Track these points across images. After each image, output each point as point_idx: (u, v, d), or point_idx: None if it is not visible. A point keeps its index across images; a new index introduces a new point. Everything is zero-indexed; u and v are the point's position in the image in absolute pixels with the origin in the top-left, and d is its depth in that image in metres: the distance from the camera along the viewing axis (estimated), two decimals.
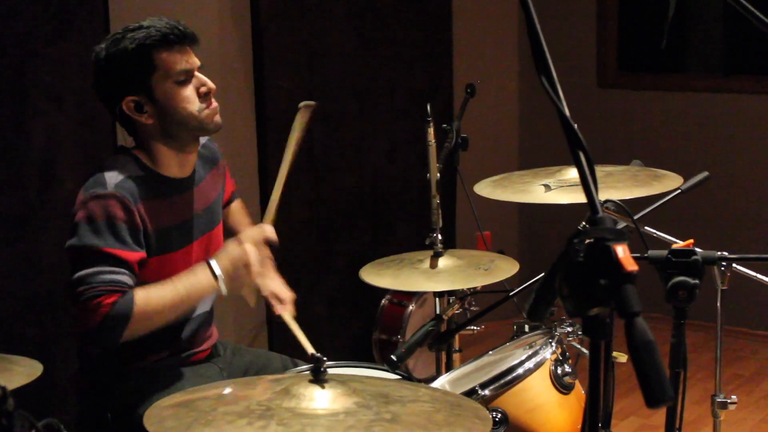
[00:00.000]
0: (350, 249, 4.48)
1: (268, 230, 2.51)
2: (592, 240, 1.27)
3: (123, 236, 2.25)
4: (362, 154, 4.55)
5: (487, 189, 2.67)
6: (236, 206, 2.80)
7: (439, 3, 4.80)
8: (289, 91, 4.22)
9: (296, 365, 2.62)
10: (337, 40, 4.38)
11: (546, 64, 1.38)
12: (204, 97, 2.38)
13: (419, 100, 4.61)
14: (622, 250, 1.24)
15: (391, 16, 4.55)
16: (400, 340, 3.85)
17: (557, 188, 2.60)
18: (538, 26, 1.38)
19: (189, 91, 2.36)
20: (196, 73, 2.38)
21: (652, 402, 1.21)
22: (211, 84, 2.39)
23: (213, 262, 2.31)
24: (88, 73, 3.54)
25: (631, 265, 1.23)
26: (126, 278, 2.24)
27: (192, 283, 2.30)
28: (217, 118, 2.41)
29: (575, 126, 1.34)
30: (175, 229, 2.41)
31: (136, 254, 2.28)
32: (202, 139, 2.54)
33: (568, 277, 1.30)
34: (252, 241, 2.38)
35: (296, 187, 4.34)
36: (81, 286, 2.20)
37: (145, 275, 2.31)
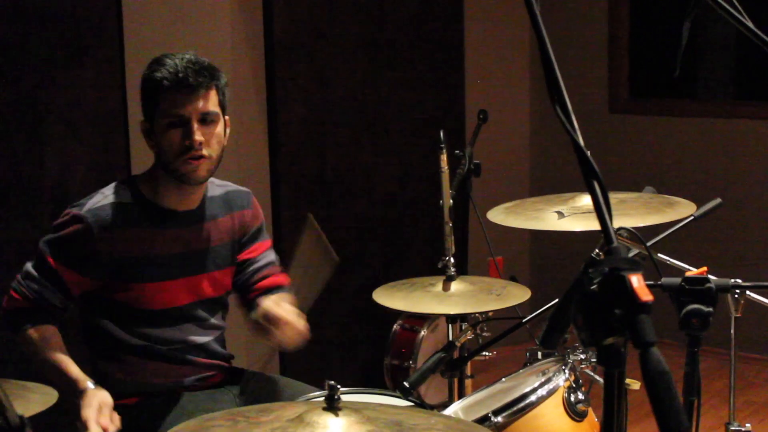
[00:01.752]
0: (361, 274, 4.49)
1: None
2: (606, 270, 1.27)
3: (71, 258, 2.40)
4: (374, 180, 4.56)
5: (500, 216, 2.67)
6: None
7: (451, 29, 4.82)
8: (302, 115, 4.25)
9: (308, 391, 2.63)
10: (349, 66, 4.40)
11: (560, 93, 1.38)
12: (185, 148, 2.37)
13: (431, 125, 4.63)
14: (636, 280, 1.24)
15: (402, 41, 4.58)
16: (412, 365, 3.83)
17: (570, 215, 2.60)
18: (552, 54, 1.39)
19: (175, 136, 2.38)
20: (194, 123, 2.37)
21: None
22: (196, 140, 2.36)
23: (91, 387, 2.29)
24: (103, 99, 3.61)
25: (646, 295, 1.23)
26: (51, 295, 2.41)
27: (66, 376, 2.34)
28: (198, 173, 2.40)
29: (589, 155, 1.35)
30: (157, 260, 2.43)
31: (76, 276, 2.41)
32: (236, 185, 2.63)
33: (582, 306, 1.29)
34: (96, 406, 2.26)
35: (307, 211, 4.34)
36: (19, 275, 2.45)
37: (130, 301, 2.43)
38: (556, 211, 2.67)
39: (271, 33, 4.12)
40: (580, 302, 1.30)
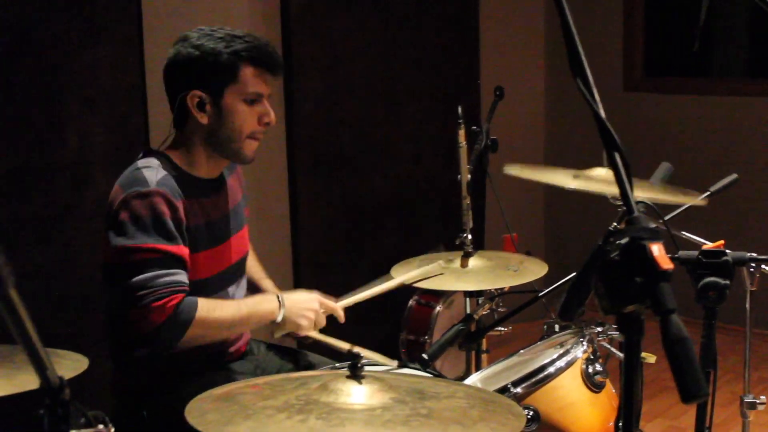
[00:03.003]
0: (377, 250, 4.52)
1: (340, 309, 2.57)
2: (628, 239, 1.29)
3: (172, 232, 2.27)
4: (389, 157, 4.58)
5: (517, 168, 2.69)
6: (252, 256, 2.79)
7: (465, 5, 4.83)
8: (318, 95, 4.27)
9: (326, 363, 2.67)
10: (364, 43, 4.42)
11: (581, 66, 1.40)
12: (262, 125, 2.42)
13: (446, 102, 4.65)
14: (657, 249, 1.26)
15: (417, 18, 4.59)
16: (428, 340, 3.86)
17: (584, 178, 2.63)
18: (574, 28, 1.41)
19: (251, 113, 2.39)
20: (265, 101, 2.42)
21: (687, 397, 1.23)
22: (273, 117, 2.42)
23: (283, 299, 2.40)
24: (121, 77, 3.63)
25: (666, 264, 1.26)
26: (182, 277, 2.27)
27: (255, 307, 2.39)
28: (253, 154, 2.45)
29: (611, 128, 1.37)
30: (206, 229, 2.43)
31: (186, 248, 2.31)
32: None
33: (604, 275, 1.32)
34: (324, 301, 2.48)
35: (323, 188, 4.38)
36: (142, 290, 2.21)
37: (192, 275, 2.34)
38: (572, 175, 2.70)
39: (288, 10, 4.14)
40: (602, 271, 1.32)
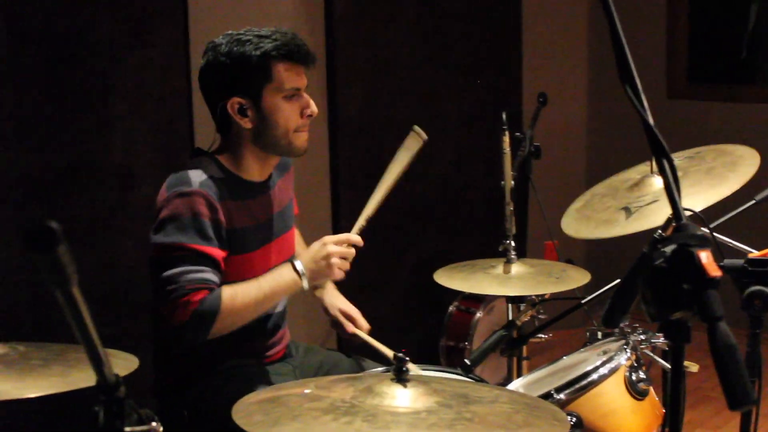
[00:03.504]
0: (417, 256, 4.53)
1: (353, 234, 2.54)
2: (676, 246, 1.30)
3: (208, 233, 2.31)
4: (430, 162, 4.59)
5: (572, 223, 2.66)
6: (296, 232, 2.83)
7: (508, 11, 4.83)
8: (361, 100, 4.29)
9: (365, 365, 2.69)
10: (407, 49, 4.43)
11: (630, 73, 1.41)
12: (305, 118, 2.44)
13: (487, 108, 4.65)
14: (705, 256, 1.27)
15: (460, 24, 4.60)
16: (468, 346, 3.87)
17: (637, 211, 2.60)
18: (622, 35, 1.42)
19: (293, 108, 2.41)
20: (303, 93, 2.44)
21: (734, 405, 1.23)
22: (314, 108, 2.45)
23: (296, 261, 2.39)
24: (167, 81, 3.68)
25: (714, 271, 1.26)
26: (211, 275, 2.31)
27: (276, 281, 2.38)
28: (306, 144, 2.47)
29: (660, 135, 1.38)
30: (254, 230, 2.46)
31: (220, 251, 2.34)
32: None
33: (651, 281, 1.33)
34: (335, 239, 2.44)
35: (365, 194, 4.39)
36: (170, 285, 2.27)
37: (226, 274, 2.37)
38: (623, 208, 2.67)
39: (332, 16, 4.16)
40: (649, 277, 1.33)
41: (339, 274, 2.44)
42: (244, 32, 2.40)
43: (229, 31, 2.42)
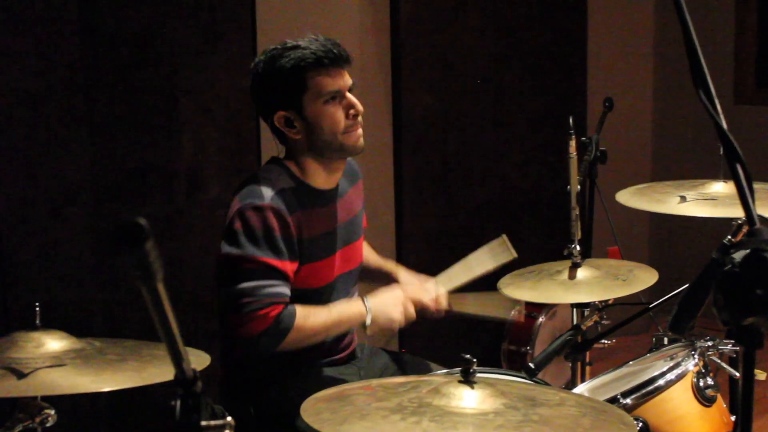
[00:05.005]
0: None
1: (437, 296, 2.59)
2: (749, 251, 1.29)
3: (280, 247, 2.34)
4: (495, 166, 4.59)
5: (625, 197, 2.73)
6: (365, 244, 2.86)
7: (574, 15, 4.81)
8: (426, 102, 4.31)
9: (429, 366, 2.71)
10: (473, 52, 4.44)
11: (704, 78, 1.40)
12: (352, 118, 2.45)
13: (553, 112, 4.64)
14: None
15: (526, 28, 4.59)
16: (530, 351, 3.86)
17: (693, 200, 2.61)
18: (696, 39, 1.41)
19: (337, 111, 2.43)
20: (347, 94, 2.45)
21: None
22: (359, 106, 2.45)
23: (368, 302, 2.45)
24: (235, 84, 3.73)
25: None
26: (285, 289, 2.35)
27: (345, 312, 2.45)
28: (360, 142, 2.48)
29: (733, 139, 1.37)
30: (321, 239, 2.49)
31: (291, 264, 2.38)
32: None
33: (724, 286, 1.32)
34: (413, 300, 2.50)
35: (429, 196, 4.41)
36: (246, 298, 2.30)
37: (294, 283, 2.41)
38: (680, 196, 2.68)
39: (398, 19, 4.19)
40: (722, 282, 1.32)
41: (399, 324, 2.49)
42: (280, 46, 2.44)
43: (266, 49, 2.47)
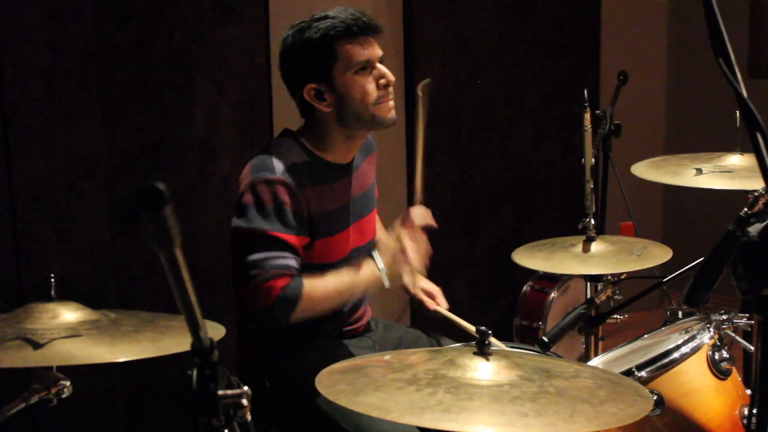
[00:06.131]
0: (493, 235, 4.52)
1: (421, 215, 2.55)
2: None
3: (289, 221, 2.33)
4: (508, 140, 4.58)
5: (640, 169, 2.70)
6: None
7: None
8: (439, 76, 4.29)
9: (441, 341, 2.71)
10: (486, 27, 4.41)
11: (724, 46, 1.40)
12: (383, 88, 2.43)
13: (566, 86, 4.62)
14: None
15: (539, 2, 4.56)
16: (542, 326, 3.86)
17: (709, 173, 2.60)
18: (716, 8, 1.40)
19: (368, 82, 2.41)
20: (377, 64, 2.43)
21: None
22: (390, 76, 2.43)
23: (376, 256, 2.42)
24: (248, 58, 3.72)
25: None
26: (293, 262, 2.33)
27: (358, 274, 2.41)
28: (392, 113, 2.46)
29: (754, 108, 1.36)
30: (335, 213, 2.48)
31: (300, 238, 2.37)
32: None
33: (743, 256, 1.31)
34: (405, 232, 2.45)
35: (442, 172, 4.40)
36: (254, 269, 2.30)
37: (308, 258, 2.40)
38: (696, 168, 2.67)
39: None
40: (741, 252, 1.32)
41: (419, 264, 2.45)
42: (308, 19, 2.42)
43: (295, 23, 2.45)
